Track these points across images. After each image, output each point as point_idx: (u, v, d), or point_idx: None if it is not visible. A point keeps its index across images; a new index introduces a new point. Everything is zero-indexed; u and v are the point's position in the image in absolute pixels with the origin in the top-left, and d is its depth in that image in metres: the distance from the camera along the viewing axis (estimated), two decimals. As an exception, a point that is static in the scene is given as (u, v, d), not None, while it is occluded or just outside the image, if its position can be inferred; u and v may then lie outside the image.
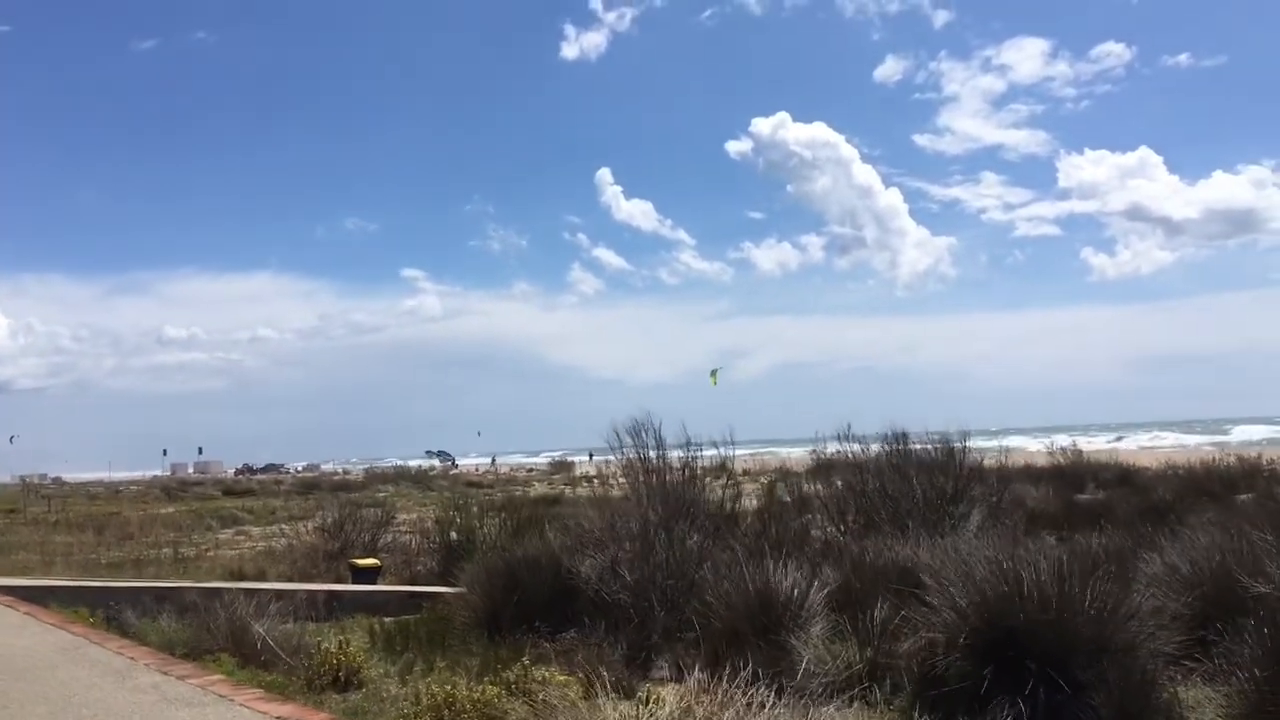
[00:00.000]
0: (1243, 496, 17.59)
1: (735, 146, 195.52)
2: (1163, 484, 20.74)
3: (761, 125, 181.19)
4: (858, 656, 7.49)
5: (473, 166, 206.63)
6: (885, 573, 9.32)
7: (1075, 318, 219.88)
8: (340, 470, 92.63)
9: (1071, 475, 24.78)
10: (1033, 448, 39.20)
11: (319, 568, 16.67)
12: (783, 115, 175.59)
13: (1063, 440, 39.41)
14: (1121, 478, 24.22)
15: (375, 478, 58.84)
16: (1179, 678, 6.40)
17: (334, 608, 12.50)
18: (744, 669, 5.47)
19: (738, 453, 14.40)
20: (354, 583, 14.85)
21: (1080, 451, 29.84)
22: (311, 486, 53.60)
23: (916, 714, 6.36)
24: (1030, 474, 23.63)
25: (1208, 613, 7.21)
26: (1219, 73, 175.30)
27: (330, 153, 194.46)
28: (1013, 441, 37.24)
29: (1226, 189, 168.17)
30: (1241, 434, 76.32)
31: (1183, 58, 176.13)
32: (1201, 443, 65.60)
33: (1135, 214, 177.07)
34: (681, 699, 5.35)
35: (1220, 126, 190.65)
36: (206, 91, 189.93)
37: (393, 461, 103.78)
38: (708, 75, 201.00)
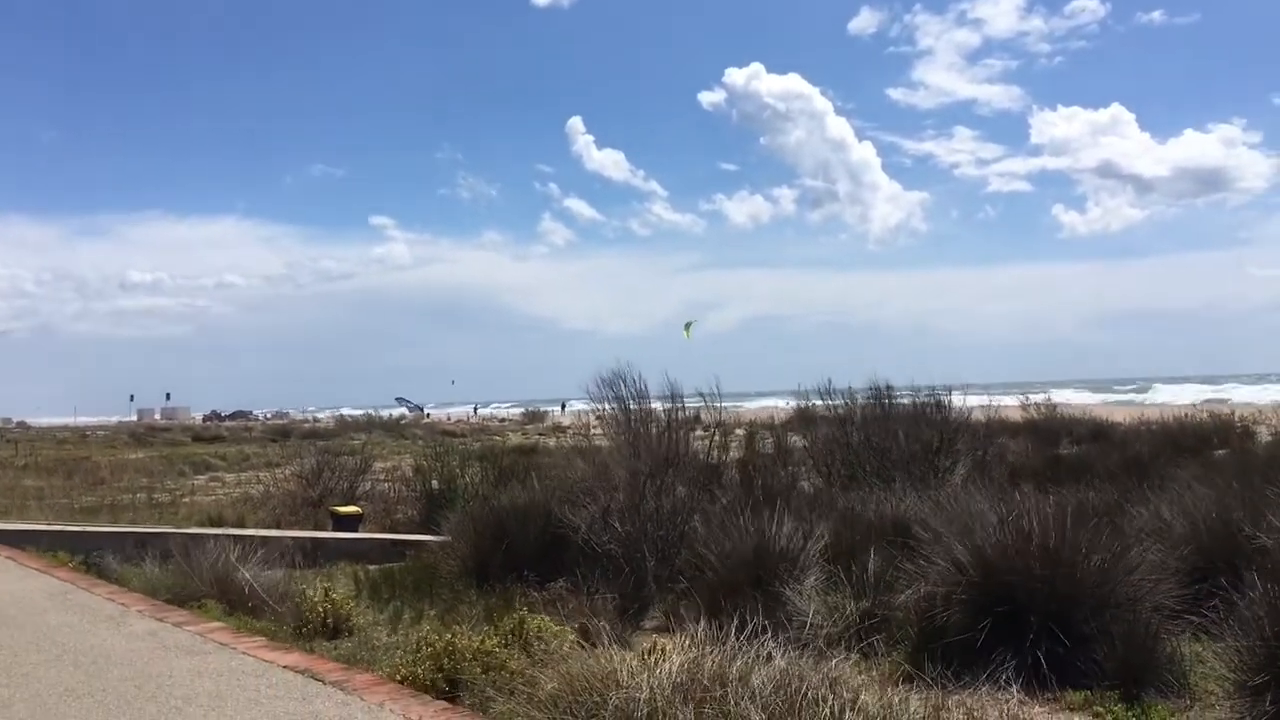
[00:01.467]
0: (1219, 452, 17.79)
1: (708, 97, 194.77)
2: (1138, 439, 20.89)
3: (735, 76, 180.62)
4: (854, 608, 7.48)
5: (442, 113, 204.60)
6: (877, 525, 9.34)
7: (1045, 274, 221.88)
8: (309, 418, 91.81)
9: (1045, 430, 24.94)
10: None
11: (298, 514, 16.57)
12: (757, 66, 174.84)
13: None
14: (1095, 433, 24.39)
15: (348, 426, 58.42)
16: (1178, 632, 6.42)
17: (316, 555, 12.40)
18: (743, 620, 5.42)
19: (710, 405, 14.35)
20: (335, 530, 14.74)
21: (1054, 406, 29.99)
22: (282, 433, 53.19)
23: (917, 666, 6.33)
24: (1006, 428, 23.74)
25: (1203, 567, 7.26)
26: (1192, 31, 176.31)
27: (297, 97, 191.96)
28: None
29: (1197, 147, 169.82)
30: (1157, 394, 76.61)
31: (1156, 15, 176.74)
32: (1118, 402, 65.44)
33: (1106, 171, 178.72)
34: (686, 651, 5.28)
35: (1192, 85, 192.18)
36: (171, 31, 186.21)
37: (347, 410, 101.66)
38: (681, 24, 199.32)
